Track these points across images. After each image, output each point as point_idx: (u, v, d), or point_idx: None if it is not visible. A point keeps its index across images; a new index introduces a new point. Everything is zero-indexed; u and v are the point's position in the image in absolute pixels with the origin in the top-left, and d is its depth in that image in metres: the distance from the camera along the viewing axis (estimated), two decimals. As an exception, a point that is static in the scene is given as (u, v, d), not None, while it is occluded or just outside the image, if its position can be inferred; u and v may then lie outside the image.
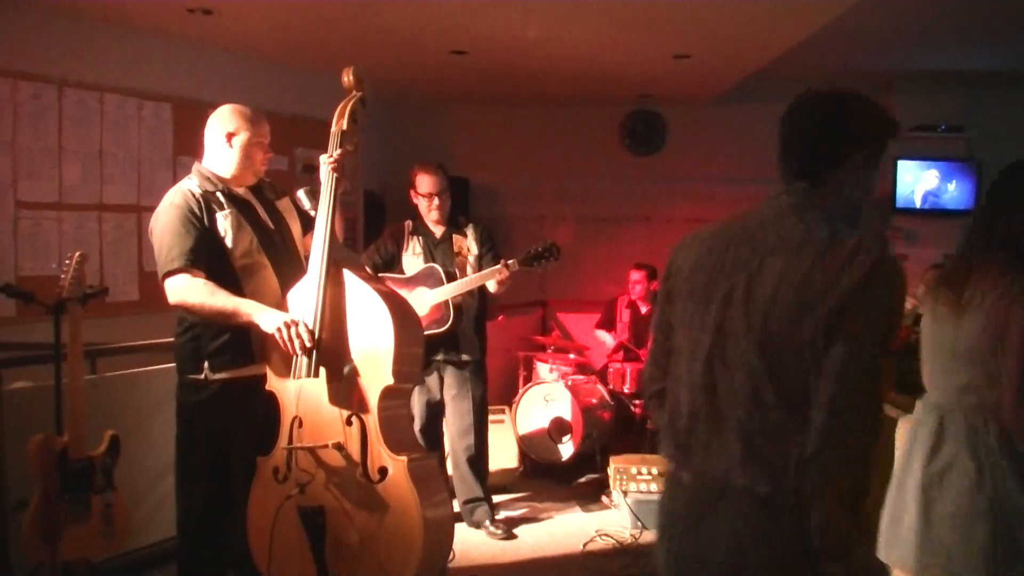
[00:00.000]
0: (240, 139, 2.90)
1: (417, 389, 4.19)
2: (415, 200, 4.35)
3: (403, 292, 4.08)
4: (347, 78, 3.00)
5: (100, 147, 4.85)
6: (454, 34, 5.18)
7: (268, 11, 4.76)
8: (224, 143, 2.91)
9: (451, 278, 4.14)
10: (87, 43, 4.78)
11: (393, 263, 4.32)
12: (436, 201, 4.27)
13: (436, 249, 4.30)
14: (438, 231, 4.34)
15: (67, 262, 3.07)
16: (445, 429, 4.45)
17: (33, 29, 4.51)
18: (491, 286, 4.13)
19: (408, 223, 4.40)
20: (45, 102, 4.56)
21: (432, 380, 4.31)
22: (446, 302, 4.10)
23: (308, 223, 3.06)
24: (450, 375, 4.34)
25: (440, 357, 4.27)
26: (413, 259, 4.29)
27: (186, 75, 5.29)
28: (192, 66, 5.31)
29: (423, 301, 4.09)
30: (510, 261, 4.01)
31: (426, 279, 4.17)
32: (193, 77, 5.32)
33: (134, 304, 4.95)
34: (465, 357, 4.31)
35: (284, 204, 3.12)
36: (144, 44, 5.04)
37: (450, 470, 4.46)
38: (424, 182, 4.27)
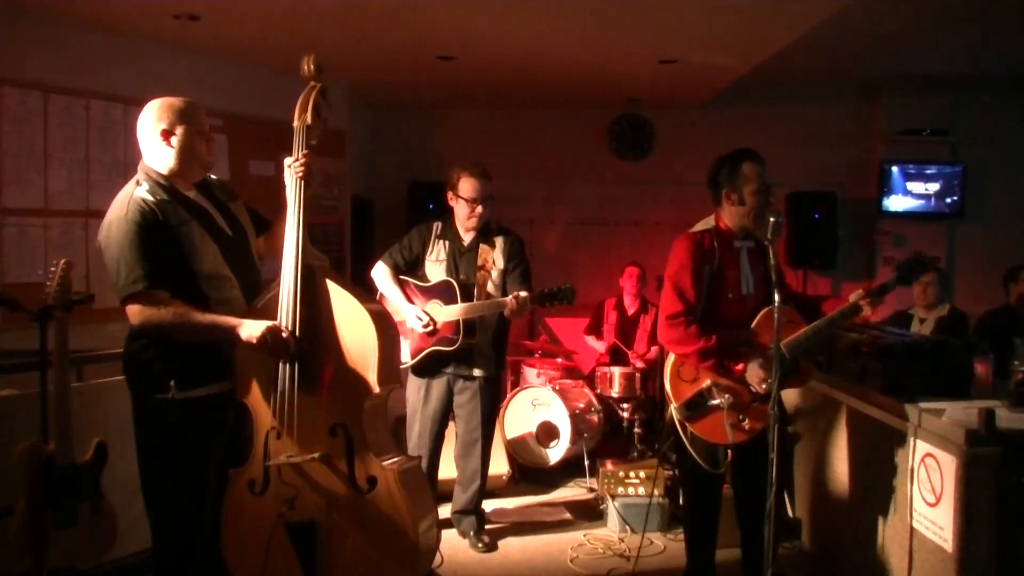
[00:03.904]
0: (179, 135, 2.71)
1: (423, 395, 4.17)
2: (452, 203, 4.14)
3: (418, 302, 4.09)
4: (307, 67, 2.75)
5: (86, 153, 4.83)
6: (441, 39, 5.19)
7: (254, 17, 4.75)
8: (162, 142, 2.72)
9: (467, 293, 4.01)
10: (73, 49, 4.76)
11: (416, 265, 4.18)
12: (479, 208, 4.07)
13: (460, 258, 4.12)
14: (467, 238, 4.14)
15: (53, 269, 3.05)
16: (449, 436, 4.35)
17: (19, 35, 4.49)
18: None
19: (437, 225, 4.22)
20: (31, 108, 4.54)
21: (440, 388, 4.17)
22: (457, 321, 3.97)
23: (260, 225, 2.97)
24: (461, 389, 4.19)
25: (451, 370, 4.14)
26: (435, 266, 4.13)
27: (172, 81, 5.24)
28: (178, 72, 5.29)
29: (435, 316, 4.00)
30: (521, 294, 3.81)
31: (441, 293, 4.04)
32: (179, 83, 5.25)
33: (121, 311, 4.87)
34: (477, 372, 4.14)
35: (237, 207, 2.95)
36: (130, 50, 5.03)
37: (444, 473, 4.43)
38: (468, 186, 4.07)
